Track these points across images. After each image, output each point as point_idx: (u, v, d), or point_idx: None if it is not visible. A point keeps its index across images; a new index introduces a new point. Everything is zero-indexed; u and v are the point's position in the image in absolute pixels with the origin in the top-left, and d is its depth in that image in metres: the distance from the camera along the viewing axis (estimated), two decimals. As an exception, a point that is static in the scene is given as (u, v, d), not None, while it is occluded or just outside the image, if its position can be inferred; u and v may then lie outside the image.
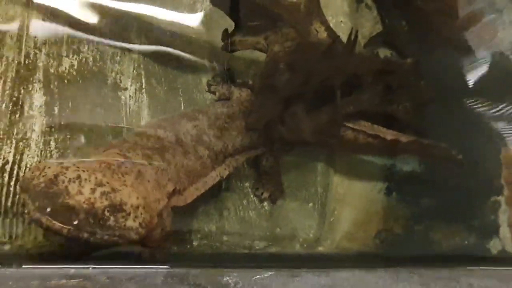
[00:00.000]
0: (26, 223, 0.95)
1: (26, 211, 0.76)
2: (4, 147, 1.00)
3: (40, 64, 1.09)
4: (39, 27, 1.11)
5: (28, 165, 1.01)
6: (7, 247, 0.95)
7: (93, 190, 0.77)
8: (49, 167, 0.77)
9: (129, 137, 1.00)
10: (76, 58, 1.14)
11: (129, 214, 0.79)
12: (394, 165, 1.48)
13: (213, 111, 1.15)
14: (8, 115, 1.03)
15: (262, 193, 1.29)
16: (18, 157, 1.01)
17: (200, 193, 1.05)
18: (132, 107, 1.18)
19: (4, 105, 1.03)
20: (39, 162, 0.99)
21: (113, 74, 1.18)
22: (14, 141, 1.02)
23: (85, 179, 0.77)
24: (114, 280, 0.64)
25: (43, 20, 1.12)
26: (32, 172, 0.78)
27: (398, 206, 1.46)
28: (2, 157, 0.99)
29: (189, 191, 1.03)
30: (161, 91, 1.23)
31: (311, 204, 1.37)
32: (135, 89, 1.19)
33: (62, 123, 1.08)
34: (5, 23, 1.08)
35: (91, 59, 1.16)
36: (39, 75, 1.08)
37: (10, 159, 1.00)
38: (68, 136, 1.07)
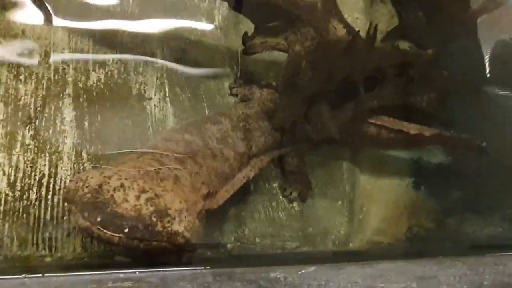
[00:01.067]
0: (69, 232, 0.96)
1: (74, 222, 0.78)
2: (39, 160, 1.03)
3: (69, 79, 1.12)
4: (66, 43, 1.14)
5: (63, 178, 1.03)
6: (48, 259, 0.97)
7: (137, 197, 0.78)
8: (92, 177, 0.79)
9: (159, 143, 1.01)
10: (102, 72, 1.16)
11: (174, 218, 0.79)
12: (420, 158, 1.47)
13: (235, 113, 1.17)
14: (42, 131, 1.05)
15: (290, 193, 1.29)
16: (53, 171, 1.03)
17: (229, 195, 1.06)
18: (158, 115, 1.20)
19: (37, 121, 1.06)
20: (80, 173, 1.01)
21: (137, 85, 1.20)
22: (48, 155, 1.04)
23: (129, 187, 0.78)
24: (167, 281, 0.65)
25: (69, 36, 1.15)
26: (76, 183, 0.79)
27: (428, 199, 1.45)
28: (38, 171, 1.02)
29: (220, 193, 1.04)
30: (185, 99, 1.24)
31: (340, 202, 1.37)
32: (159, 98, 1.21)
33: (93, 135, 1.10)
34: (34, 41, 1.11)
35: (116, 71, 1.19)
36: (69, 90, 1.11)
37: (46, 172, 1.02)
38: (99, 148, 1.09)
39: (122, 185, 0.78)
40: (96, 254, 0.99)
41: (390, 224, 1.41)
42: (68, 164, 1.05)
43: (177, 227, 0.79)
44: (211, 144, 1.05)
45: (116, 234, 0.75)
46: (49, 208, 1.00)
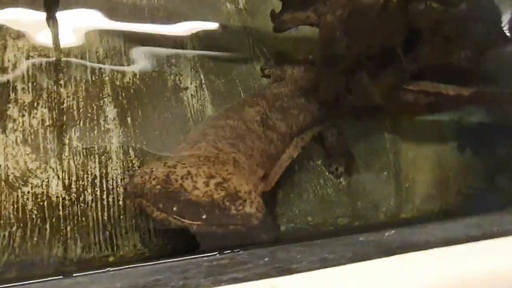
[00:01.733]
0: (127, 230, 0.96)
1: (149, 214, 0.76)
2: (89, 163, 1.02)
3: (106, 79, 1.11)
4: (98, 43, 1.13)
5: (114, 177, 1.03)
6: (111, 258, 0.97)
7: (206, 183, 0.77)
8: (157, 169, 0.77)
9: (204, 130, 1.00)
10: (137, 68, 1.16)
11: (245, 200, 0.78)
12: (461, 120, 1.44)
13: (270, 93, 1.15)
14: (87, 132, 1.05)
15: (336, 168, 1.27)
16: (104, 171, 1.03)
17: (278, 176, 1.04)
18: (196, 105, 1.19)
19: (81, 122, 1.05)
20: (129, 169, 1.00)
21: (172, 76, 1.19)
22: (97, 156, 1.04)
23: (195, 174, 0.77)
24: (246, 257, 0.63)
25: (101, 37, 1.14)
26: (142, 177, 0.78)
27: (474, 160, 1.41)
28: (89, 173, 1.01)
29: (271, 175, 1.02)
30: (220, 85, 1.23)
31: (385, 173, 1.34)
32: (196, 87, 1.20)
33: (137, 131, 1.09)
34: (68, 46, 1.11)
35: (149, 66, 1.18)
36: (108, 89, 1.10)
37: (97, 173, 1.02)
38: (144, 143, 1.08)
39: (188, 173, 0.77)
40: (155, 248, 0.99)
41: (438, 189, 1.39)
42: (117, 163, 1.04)
43: (249, 209, 0.78)
44: (253, 127, 1.04)
45: (194, 222, 0.74)
46: (105, 209, 1.00)
